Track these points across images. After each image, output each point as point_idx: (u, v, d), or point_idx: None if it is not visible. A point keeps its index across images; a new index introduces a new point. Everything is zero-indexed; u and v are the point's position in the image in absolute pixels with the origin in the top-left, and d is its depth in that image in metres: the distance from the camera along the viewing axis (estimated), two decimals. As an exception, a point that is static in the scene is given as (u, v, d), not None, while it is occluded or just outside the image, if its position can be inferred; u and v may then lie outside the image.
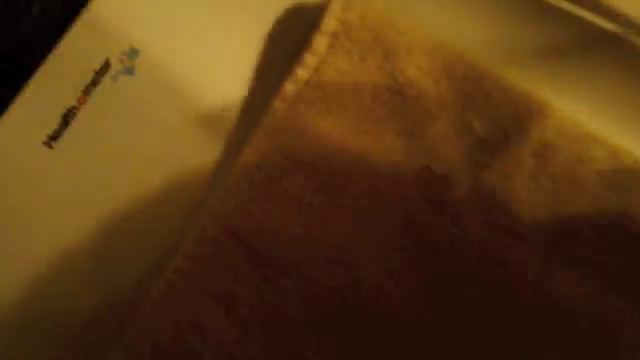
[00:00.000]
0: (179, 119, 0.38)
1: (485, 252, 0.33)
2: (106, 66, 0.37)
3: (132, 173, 0.37)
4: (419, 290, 0.33)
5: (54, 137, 0.37)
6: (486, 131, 0.35)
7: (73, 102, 0.37)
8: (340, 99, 0.36)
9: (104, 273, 0.36)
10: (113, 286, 0.36)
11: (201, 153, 0.37)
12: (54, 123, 0.37)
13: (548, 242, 0.33)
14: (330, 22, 0.37)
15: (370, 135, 0.36)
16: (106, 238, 0.36)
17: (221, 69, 0.38)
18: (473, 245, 0.33)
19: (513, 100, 0.35)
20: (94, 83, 0.37)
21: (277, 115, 0.36)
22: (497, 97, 0.35)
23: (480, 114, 0.35)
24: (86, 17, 0.37)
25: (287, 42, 0.38)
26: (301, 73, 0.37)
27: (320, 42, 0.37)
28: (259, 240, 0.34)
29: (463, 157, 0.35)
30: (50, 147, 0.37)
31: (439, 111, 0.35)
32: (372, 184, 0.35)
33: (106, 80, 0.37)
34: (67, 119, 0.37)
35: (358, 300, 0.33)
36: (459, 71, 0.36)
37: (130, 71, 0.38)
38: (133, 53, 0.38)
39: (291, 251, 0.34)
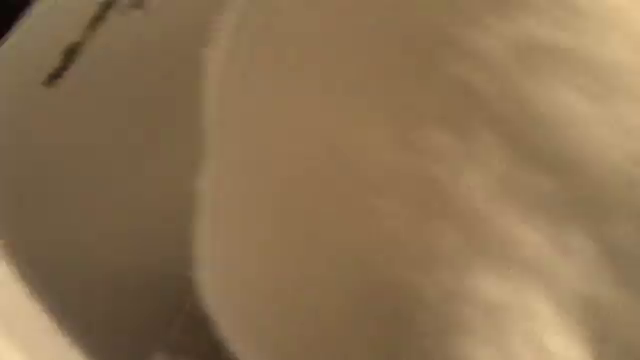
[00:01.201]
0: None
1: None
2: (113, -2, 0.34)
3: (141, 120, 0.34)
4: None
5: (55, 76, 0.34)
6: None
7: (77, 38, 0.34)
8: None
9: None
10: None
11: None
12: (55, 60, 0.34)
13: None
14: None
15: None
16: (115, 188, 0.33)
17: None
18: None
19: None
20: (99, 18, 0.34)
21: None
22: None
23: None
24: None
25: None
26: None
27: None
28: None
29: None
30: (50, 87, 0.34)
31: None
32: None
33: (112, 14, 0.34)
34: (70, 56, 0.34)
35: None
36: None
37: (140, 4, 0.34)
38: (143, -16, 0.35)
39: None
